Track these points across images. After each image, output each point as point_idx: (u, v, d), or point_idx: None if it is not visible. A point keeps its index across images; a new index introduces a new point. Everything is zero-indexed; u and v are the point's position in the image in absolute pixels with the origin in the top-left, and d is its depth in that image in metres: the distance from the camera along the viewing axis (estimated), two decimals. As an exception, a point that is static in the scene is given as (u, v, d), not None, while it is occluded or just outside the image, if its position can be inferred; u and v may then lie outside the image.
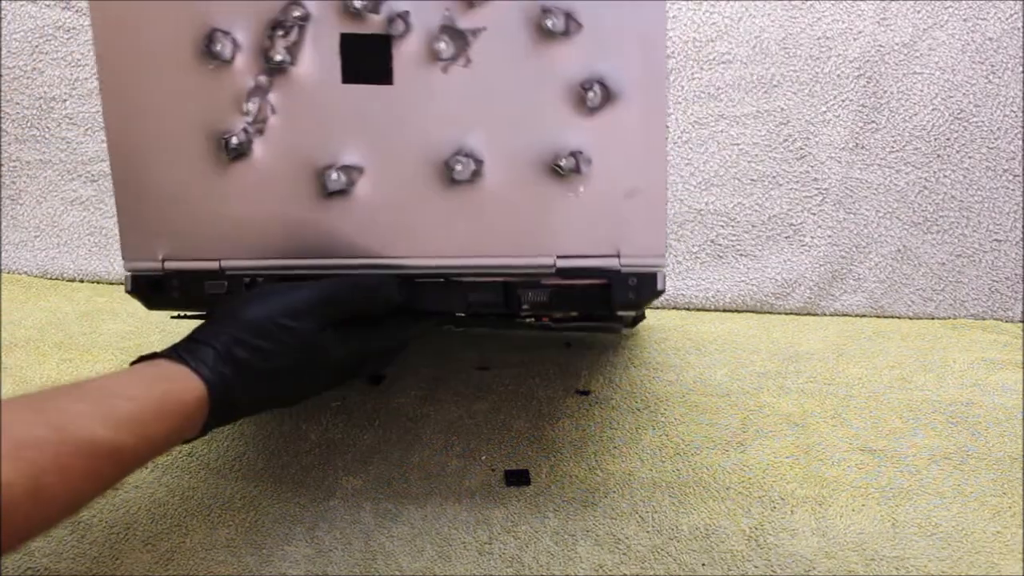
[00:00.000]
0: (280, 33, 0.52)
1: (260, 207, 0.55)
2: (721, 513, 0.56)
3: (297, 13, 0.52)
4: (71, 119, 0.89)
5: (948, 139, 0.90)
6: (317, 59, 0.52)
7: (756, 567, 0.51)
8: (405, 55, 0.52)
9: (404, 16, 0.52)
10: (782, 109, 0.90)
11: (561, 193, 0.53)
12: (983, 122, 0.90)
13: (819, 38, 0.90)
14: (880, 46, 0.90)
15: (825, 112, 0.90)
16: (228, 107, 0.53)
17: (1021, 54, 0.89)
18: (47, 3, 0.89)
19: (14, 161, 0.90)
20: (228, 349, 0.47)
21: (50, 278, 0.88)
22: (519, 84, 0.52)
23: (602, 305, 0.55)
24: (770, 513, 0.56)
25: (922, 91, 0.90)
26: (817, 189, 0.89)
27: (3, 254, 0.88)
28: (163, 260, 0.55)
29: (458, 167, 0.53)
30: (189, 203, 0.55)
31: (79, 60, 0.89)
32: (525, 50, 0.52)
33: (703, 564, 0.51)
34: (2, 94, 0.89)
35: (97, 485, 0.41)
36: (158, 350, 0.47)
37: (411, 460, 0.60)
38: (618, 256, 0.53)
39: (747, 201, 0.89)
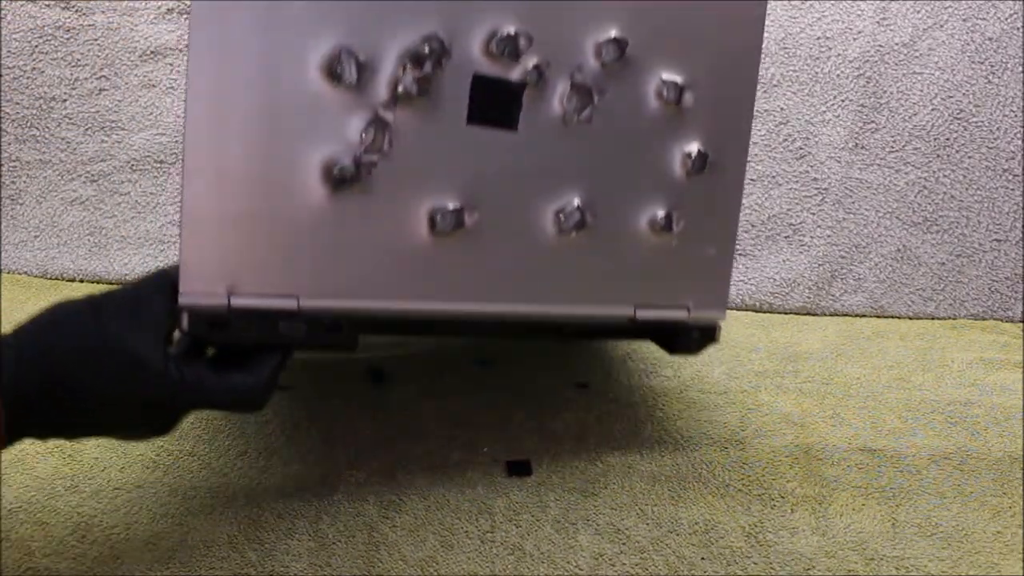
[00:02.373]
0: (414, 64, 0.50)
1: (355, 241, 0.51)
2: (721, 509, 0.56)
3: (436, 46, 0.50)
4: (71, 119, 0.89)
5: (948, 139, 0.90)
6: (444, 96, 0.51)
7: (755, 564, 0.51)
8: (532, 104, 0.53)
9: (541, 67, 0.52)
10: (782, 109, 0.90)
11: (648, 248, 0.56)
12: (983, 122, 0.90)
13: (819, 38, 0.90)
14: (880, 46, 0.90)
15: (825, 112, 0.90)
16: (340, 132, 0.50)
17: (1021, 54, 0.90)
18: (47, 3, 0.89)
19: (14, 161, 0.90)
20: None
21: (50, 278, 0.88)
22: (631, 144, 0.55)
23: (660, 344, 0.59)
24: (770, 511, 0.56)
25: (922, 91, 0.90)
26: (817, 189, 0.90)
27: (3, 254, 0.89)
28: (229, 295, 0.49)
29: (563, 217, 0.54)
30: (272, 228, 0.49)
31: (79, 60, 0.89)
32: (641, 114, 0.54)
33: (702, 558, 0.52)
34: (2, 94, 0.89)
35: None
36: None
37: (414, 452, 0.60)
38: (688, 310, 0.57)
39: (747, 201, 0.89)
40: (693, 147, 0.55)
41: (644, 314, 0.56)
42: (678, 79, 0.55)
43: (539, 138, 0.53)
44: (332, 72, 0.49)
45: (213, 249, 0.48)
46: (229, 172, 0.48)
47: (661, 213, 0.55)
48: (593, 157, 0.54)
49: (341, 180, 0.50)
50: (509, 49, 0.51)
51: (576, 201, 0.54)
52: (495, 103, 0.52)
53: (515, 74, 0.52)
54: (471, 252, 0.53)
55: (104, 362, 0.44)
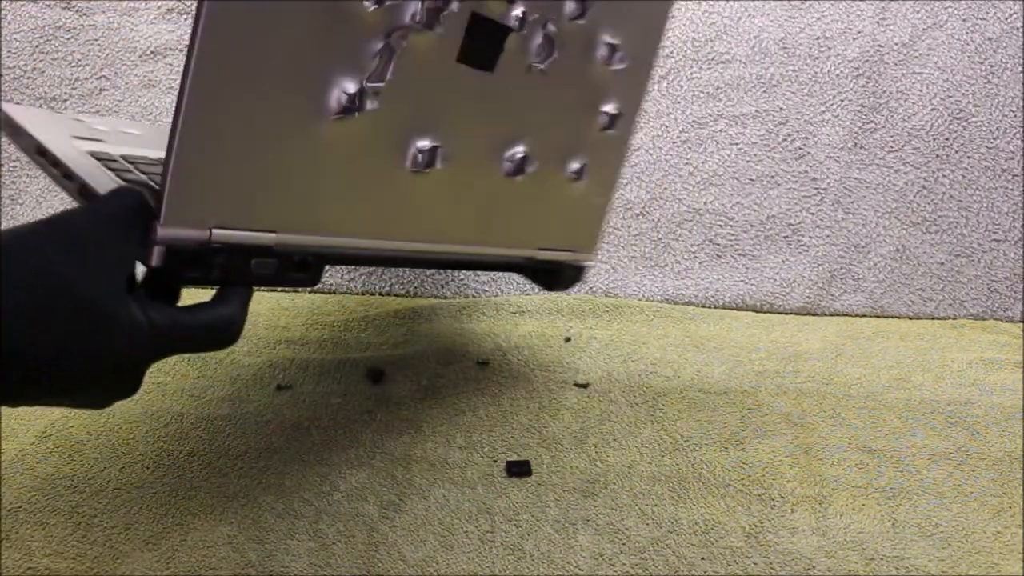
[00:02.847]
0: None
1: (337, 173, 0.48)
2: (721, 509, 0.56)
3: None
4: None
5: (947, 139, 0.90)
6: (444, 32, 0.49)
7: (755, 564, 0.51)
8: (507, 50, 0.53)
9: (525, 15, 0.53)
10: (781, 109, 0.90)
11: (561, 195, 0.60)
12: (982, 122, 0.90)
13: (818, 38, 0.90)
14: (879, 46, 0.90)
15: (824, 112, 0.90)
16: (351, 57, 0.46)
17: (1020, 54, 0.90)
18: (47, 3, 0.89)
19: (14, 161, 0.90)
20: None
21: (50, 278, 0.88)
22: (574, 97, 0.58)
23: (535, 280, 0.65)
24: (770, 511, 0.56)
25: (921, 91, 0.90)
26: (816, 189, 0.90)
27: (3, 254, 0.88)
28: (212, 228, 0.44)
29: (510, 163, 0.56)
30: (265, 154, 0.45)
31: (79, 60, 0.89)
32: (585, 70, 0.57)
33: (702, 558, 0.52)
34: (2, 94, 0.89)
35: None
36: None
37: (414, 453, 0.60)
38: (572, 251, 0.63)
39: (746, 201, 0.89)
40: (611, 106, 0.59)
41: (542, 255, 0.61)
42: (616, 41, 0.58)
43: (506, 83, 0.54)
44: None
45: (204, 176, 0.43)
46: (234, 91, 0.43)
47: (577, 165, 0.60)
48: (543, 107, 0.57)
49: (349, 108, 0.47)
50: None
51: (523, 148, 0.56)
52: (485, 44, 0.52)
53: (507, 19, 0.52)
54: (436, 191, 0.53)
55: (60, 311, 0.36)
